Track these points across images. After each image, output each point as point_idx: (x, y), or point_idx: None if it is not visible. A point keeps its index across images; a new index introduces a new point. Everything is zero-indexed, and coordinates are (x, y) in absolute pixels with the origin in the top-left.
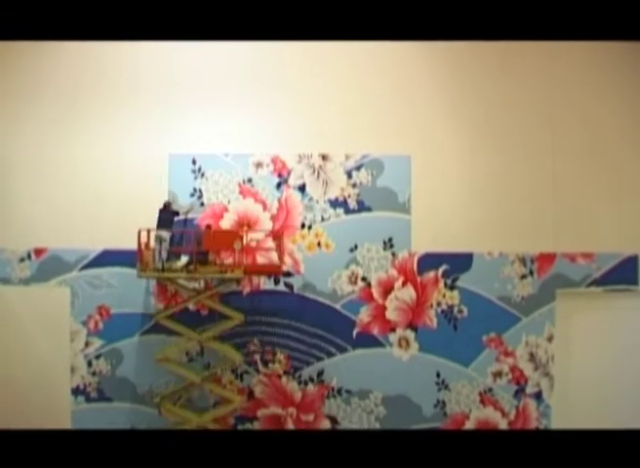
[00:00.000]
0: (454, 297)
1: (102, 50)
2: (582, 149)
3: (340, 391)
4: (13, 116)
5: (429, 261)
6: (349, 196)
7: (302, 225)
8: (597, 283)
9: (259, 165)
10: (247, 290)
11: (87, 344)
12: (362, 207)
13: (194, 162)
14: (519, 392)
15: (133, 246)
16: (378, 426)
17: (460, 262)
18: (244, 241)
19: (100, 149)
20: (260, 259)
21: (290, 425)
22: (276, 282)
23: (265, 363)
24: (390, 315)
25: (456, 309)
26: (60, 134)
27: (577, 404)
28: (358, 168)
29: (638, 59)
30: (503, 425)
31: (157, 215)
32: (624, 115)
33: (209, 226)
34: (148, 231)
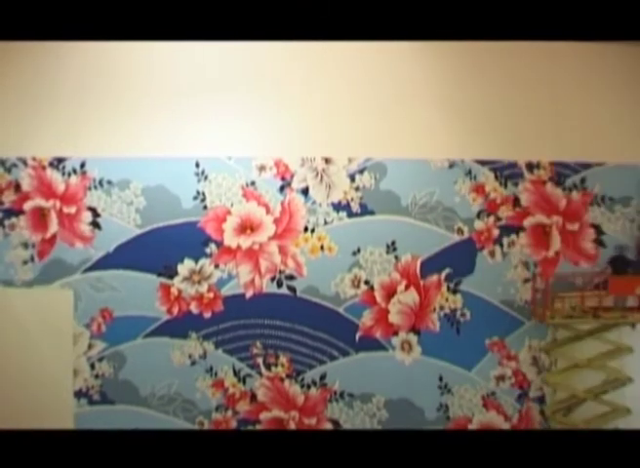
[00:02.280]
0: (457, 301)
1: (102, 52)
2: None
3: (342, 394)
4: (25, 117)
5: (432, 265)
6: (352, 199)
7: (305, 228)
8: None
9: (262, 168)
10: (250, 293)
11: (90, 347)
12: (365, 210)
13: (197, 165)
14: (522, 396)
15: None
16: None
17: (462, 266)
18: None
19: (106, 151)
20: (263, 263)
21: (292, 428)
22: (279, 285)
23: (268, 366)
24: (393, 318)
25: (458, 313)
26: (70, 136)
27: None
28: (361, 171)
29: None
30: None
31: None
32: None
33: None
34: None
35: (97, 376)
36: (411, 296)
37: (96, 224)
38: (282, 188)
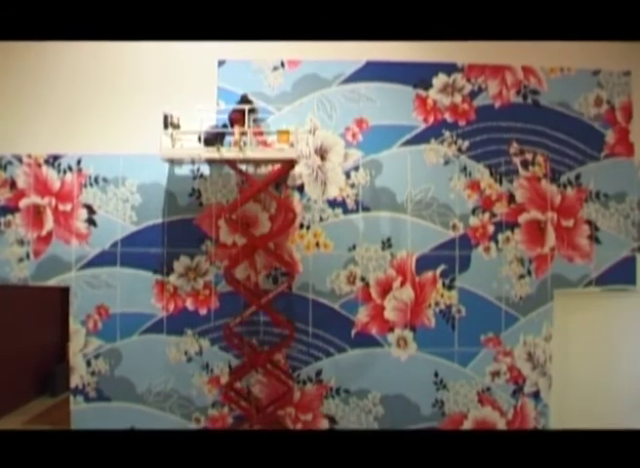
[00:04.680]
0: (452, 297)
1: (96, 51)
2: None
3: (338, 391)
4: (20, 115)
5: (427, 261)
6: (348, 196)
7: (301, 225)
8: (595, 283)
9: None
10: None
11: (86, 344)
12: (360, 207)
13: (193, 162)
14: (517, 391)
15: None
16: (376, 426)
17: (458, 262)
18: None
19: (102, 149)
20: (259, 260)
21: (288, 425)
22: (275, 281)
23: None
24: (389, 315)
25: (454, 309)
26: (65, 133)
27: (574, 403)
28: (356, 168)
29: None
30: (501, 424)
31: None
32: None
33: None
34: None
35: (93, 373)
36: (406, 293)
37: (91, 221)
38: (278, 185)
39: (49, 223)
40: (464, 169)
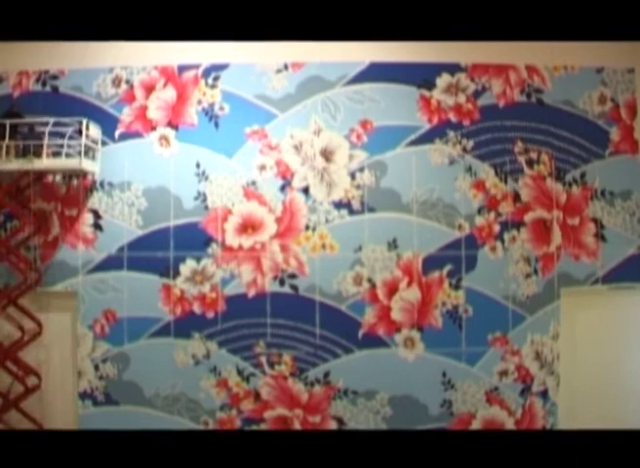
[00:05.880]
0: (459, 297)
1: (104, 52)
2: None
3: (346, 392)
4: None
5: (434, 262)
6: (353, 197)
7: (307, 227)
8: (601, 281)
9: (262, 167)
10: (252, 292)
11: (94, 348)
12: (366, 208)
13: (198, 165)
14: (525, 391)
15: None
16: (384, 426)
17: (464, 262)
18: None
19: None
20: (265, 262)
21: (297, 427)
22: (281, 284)
23: (271, 365)
24: (396, 315)
25: (461, 309)
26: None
27: (582, 401)
28: (361, 169)
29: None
30: (510, 424)
31: None
32: None
33: None
34: None
35: (101, 377)
36: (413, 293)
37: (97, 226)
38: (283, 187)
39: (55, 229)
40: (469, 168)
